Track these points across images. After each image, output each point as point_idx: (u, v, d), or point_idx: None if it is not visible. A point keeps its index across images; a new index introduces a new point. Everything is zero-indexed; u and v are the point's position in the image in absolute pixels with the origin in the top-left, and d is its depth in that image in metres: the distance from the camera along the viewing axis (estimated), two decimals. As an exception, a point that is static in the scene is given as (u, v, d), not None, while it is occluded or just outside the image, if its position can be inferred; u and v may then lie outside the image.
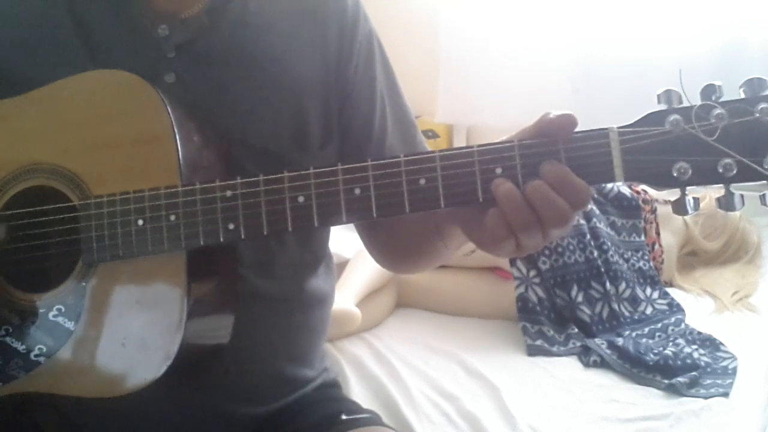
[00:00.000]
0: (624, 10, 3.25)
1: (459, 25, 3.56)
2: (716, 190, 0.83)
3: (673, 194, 0.85)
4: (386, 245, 1.33)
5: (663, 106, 0.82)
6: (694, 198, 0.83)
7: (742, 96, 0.81)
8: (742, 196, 0.82)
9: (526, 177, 0.86)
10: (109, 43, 1.13)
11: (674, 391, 1.97)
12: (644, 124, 0.83)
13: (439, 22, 3.61)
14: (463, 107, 3.61)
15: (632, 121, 0.83)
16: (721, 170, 0.80)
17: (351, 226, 1.12)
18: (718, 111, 0.80)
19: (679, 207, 0.84)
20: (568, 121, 0.87)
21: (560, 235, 0.94)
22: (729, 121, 0.79)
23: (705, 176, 0.81)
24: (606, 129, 0.84)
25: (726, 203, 0.82)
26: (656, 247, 2.68)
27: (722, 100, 0.81)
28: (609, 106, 3.28)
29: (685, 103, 0.82)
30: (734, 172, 0.80)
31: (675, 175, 0.82)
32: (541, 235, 0.88)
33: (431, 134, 3.80)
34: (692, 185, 0.82)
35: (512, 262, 2.40)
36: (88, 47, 1.12)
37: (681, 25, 3.18)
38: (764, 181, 0.80)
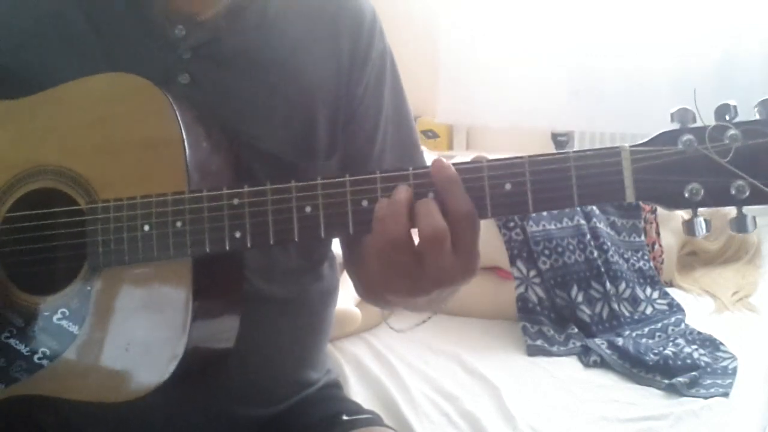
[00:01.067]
0: (623, 12, 3.25)
1: (459, 26, 3.58)
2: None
3: (685, 214, 0.84)
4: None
5: (676, 125, 0.82)
6: (705, 220, 0.82)
7: (757, 116, 0.80)
8: (754, 218, 0.81)
9: (536, 193, 0.86)
10: (124, 43, 1.12)
11: (674, 391, 1.98)
12: (657, 143, 0.82)
13: (438, 22, 3.62)
14: (463, 107, 3.62)
15: (644, 140, 0.83)
16: (733, 192, 0.79)
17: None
18: (732, 132, 0.79)
19: (689, 228, 0.83)
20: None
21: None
22: (743, 142, 0.79)
23: (717, 198, 0.81)
24: (618, 147, 0.83)
25: (738, 225, 0.82)
26: (656, 247, 2.68)
27: (736, 120, 0.80)
28: (608, 107, 3.29)
29: (698, 123, 0.81)
30: (747, 194, 0.79)
31: (687, 196, 0.81)
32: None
33: (431, 134, 3.81)
34: (704, 207, 0.81)
35: (512, 262, 2.41)
36: (103, 46, 1.12)
37: (680, 29, 3.18)
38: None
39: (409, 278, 0.91)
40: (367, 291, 1.28)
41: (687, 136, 0.81)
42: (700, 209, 0.82)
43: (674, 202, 0.82)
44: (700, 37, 3.15)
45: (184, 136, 0.98)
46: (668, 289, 2.61)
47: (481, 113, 3.59)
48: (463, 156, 3.64)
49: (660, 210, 2.69)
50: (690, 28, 3.17)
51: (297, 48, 1.19)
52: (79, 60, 1.10)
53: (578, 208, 2.49)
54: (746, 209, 0.81)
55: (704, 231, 0.83)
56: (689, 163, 0.81)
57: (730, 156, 0.79)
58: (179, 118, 0.99)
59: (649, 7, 3.21)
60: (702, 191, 0.81)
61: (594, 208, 2.55)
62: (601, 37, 3.32)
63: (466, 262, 0.89)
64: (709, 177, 0.80)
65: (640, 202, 2.61)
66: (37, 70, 1.11)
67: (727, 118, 0.80)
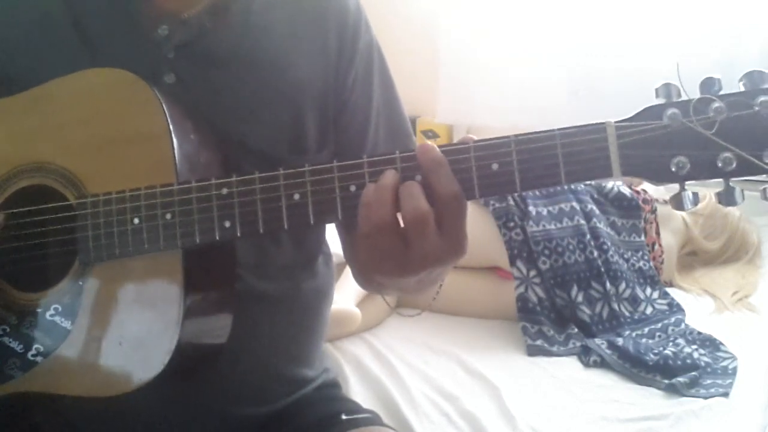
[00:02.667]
0: (623, 12, 3.25)
1: (458, 26, 3.57)
2: (716, 188, 0.82)
3: (671, 190, 0.84)
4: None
5: (661, 100, 0.82)
6: (693, 193, 0.82)
7: (742, 89, 0.80)
8: (742, 190, 0.81)
9: (523, 172, 0.85)
10: (108, 43, 1.12)
11: (674, 391, 1.97)
12: (642, 118, 0.82)
13: (438, 22, 3.62)
14: (462, 107, 3.62)
15: (630, 116, 0.83)
16: (720, 164, 0.79)
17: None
18: (716, 104, 0.79)
19: (677, 202, 0.83)
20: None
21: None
22: (728, 114, 0.79)
23: (704, 170, 0.80)
24: (603, 123, 0.83)
25: (726, 198, 0.81)
26: (656, 247, 2.68)
27: (721, 93, 0.80)
28: (608, 107, 3.27)
29: (684, 97, 0.81)
30: (734, 166, 0.79)
31: (673, 169, 0.81)
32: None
33: (431, 134, 3.81)
34: (691, 180, 0.81)
35: (512, 262, 2.40)
36: (88, 46, 1.12)
37: (680, 27, 3.18)
38: (764, 175, 0.79)
39: (396, 260, 0.91)
40: (361, 276, 1.28)
41: (672, 110, 0.81)
42: (688, 183, 0.82)
43: (661, 176, 0.82)
44: (700, 38, 3.15)
45: (172, 129, 0.98)
46: (668, 289, 2.61)
47: (481, 113, 3.59)
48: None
49: (660, 210, 2.69)
50: (690, 28, 3.17)
51: (283, 44, 1.19)
52: (64, 61, 1.10)
53: (578, 208, 2.49)
54: (733, 183, 0.81)
55: (692, 204, 0.83)
56: (675, 136, 0.81)
57: (715, 128, 0.79)
58: (166, 110, 0.99)
59: (648, 7, 3.21)
60: (688, 164, 0.80)
61: (594, 208, 2.55)
62: (601, 37, 3.31)
63: (453, 242, 0.89)
64: (695, 150, 0.80)
65: (640, 202, 2.62)
66: (22, 71, 1.11)
67: (712, 91, 0.80)
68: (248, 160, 1.11)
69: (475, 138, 0.88)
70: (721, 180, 0.81)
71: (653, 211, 2.69)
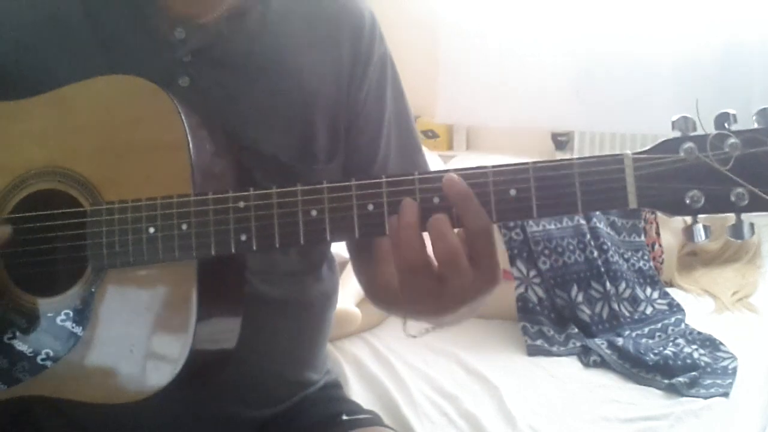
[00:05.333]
0: (624, 9, 3.25)
1: (458, 25, 3.57)
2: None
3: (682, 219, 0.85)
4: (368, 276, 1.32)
5: (677, 133, 0.82)
6: (704, 226, 0.83)
7: (756, 125, 0.81)
8: (752, 224, 0.82)
9: (541, 199, 0.86)
10: (124, 45, 1.12)
11: (674, 391, 1.99)
12: (659, 150, 0.83)
13: (438, 22, 3.62)
14: (462, 107, 3.62)
15: (647, 148, 0.83)
16: (733, 199, 0.80)
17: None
18: (732, 140, 0.79)
19: (689, 234, 0.84)
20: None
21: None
22: (742, 150, 0.79)
23: (717, 205, 0.81)
24: (621, 155, 0.83)
25: (735, 232, 0.83)
26: (656, 247, 2.68)
27: (736, 129, 0.81)
28: (609, 106, 3.29)
29: (699, 131, 0.82)
30: (746, 202, 0.80)
31: (688, 202, 0.81)
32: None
33: (431, 134, 3.81)
34: (704, 213, 0.82)
35: (512, 262, 2.41)
36: (104, 49, 1.12)
37: (681, 25, 3.18)
38: (775, 212, 0.80)
39: (434, 299, 0.91)
40: (383, 303, 1.27)
41: (688, 144, 0.81)
42: (700, 215, 0.83)
43: (675, 208, 0.83)
44: (701, 37, 3.15)
45: (190, 139, 0.98)
46: (668, 289, 2.62)
47: (481, 113, 3.60)
48: (463, 156, 3.65)
49: (660, 210, 2.69)
50: (690, 27, 3.17)
51: (297, 52, 1.19)
52: (78, 62, 1.10)
53: (578, 208, 2.50)
54: (745, 216, 0.82)
55: (703, 238, 0.84)
56: (690, 170, 0.82)
57: (730, 164, 0.80)
58: (184, 121, 0.99)
59: (649, 6, 3.21)
60: (702, 198, 0.81)
61: (594, 208, 2.55)
62: (601, 37, 3.31)
63: (487, 274, 0.89)
64: (709, 184, 0.81)
65: (641, 203, 2.62)
66: (37, 72, 1.11)
67: (727, 126, 0.81)
68: (258, 166, 1.12)
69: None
70: (732, 214, 0.82)
71: (653, 212, 2.68)
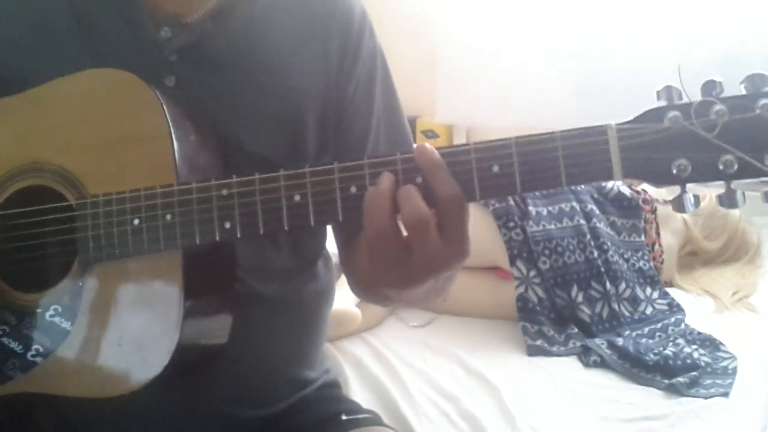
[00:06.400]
0: (624, 11, 3.25)
1: (458, 25, 3.57)
2: (717, 188, 0.82)
3: (672, 192, 0.84)
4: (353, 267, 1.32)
5: (662, 103, 0.81)
6: (694, 195, 0.82)
7: (743, 92, 0.80)
8: (743, 192, 0.81)
9: (524, 174, 0.85)
10: (110, 44, 1.12)
11: (674, 391, 1.97)
12: (643, 120, 0.82)
13: (438, 22, 3.62)
14: (462, 107, 3.62)
15: (631, 118, 0.83)
16: (721, 167, 0.79)
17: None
18: (718, 107, 0.79)
19: (678, 204, 0.83)
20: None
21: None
22: (729, 117, 0.78)
23: (705, 173, 0.80)
24: (604, 126, 0.83)
25: (728, 200, 0.81)
26: (656, 247, 2.68)
27: (723, 96, 0.80)
28: (609, 106, 3.28)
29: (685, 100, 0.81)
30: (735, 168, 0.78)
31: (674, 172, 0.80)
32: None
33: (431, 134, 3.81)
34: (692, 182, 0.81)
35: (512, 262, 2.40)
36: (90, 48, 1.12)
37: (682, 27, 3.18)
38: (765, 178, 0.79)
39: (400, 268, 0.90)
40: (362, 288, 1.27)
41: (673, 113, 0.80)
42: (689, 185, 0.82)
43: (662, 178, 0.82)
44: (702, 37, 3.15)
45: (172, 130, 0.98)
46: (668, 289, 2.60)
47: (481, 113, 3.59)
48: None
49: (660, 210, 2.69)
50: (691, 27, 3.17)
51: (284, 49, 1.18)
52: (65, 61, 1.10)
53: (578, 208, 2.49)
54: (735, 185, 0.81)
55: (693, 206, 0.82)
56: (676, 139, 0.81)
57: (716, 131, 0.79)
58: (166, 111, 0.99)
59: (649, 6, 3.21)
60: (689, 167, 0.80)
61: (594, 208, 2.54)
62: (601, 37, 3.31)
63: (455, 246, 0.88)
64: (696, 153, 0.80)
65: (641, 202, 2.61)
66: (22, 71, 1.11)
67: (713, 94, 0.80)
68: (247, 164, 1.11)
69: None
70: (722, 182, 0.81)
71: (653, 211, 2.68)
